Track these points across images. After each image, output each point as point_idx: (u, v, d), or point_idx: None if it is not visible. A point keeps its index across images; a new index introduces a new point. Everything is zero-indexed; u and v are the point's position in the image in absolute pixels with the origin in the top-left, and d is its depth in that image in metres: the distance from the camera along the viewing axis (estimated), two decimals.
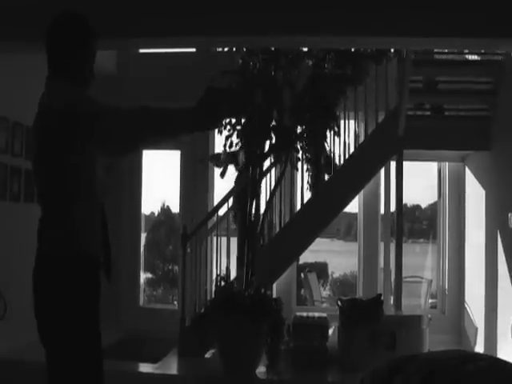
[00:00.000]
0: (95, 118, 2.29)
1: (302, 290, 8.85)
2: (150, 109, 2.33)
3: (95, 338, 2.39)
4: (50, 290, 2.32)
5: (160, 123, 2.39)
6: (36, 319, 2.37)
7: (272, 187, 5.38)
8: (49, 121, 2.31)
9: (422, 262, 9.86)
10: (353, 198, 5.90)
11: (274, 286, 6.52)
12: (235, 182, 5.27)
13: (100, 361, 2.40)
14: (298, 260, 7.40)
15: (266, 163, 5.27)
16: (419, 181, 9.17)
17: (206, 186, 7.10)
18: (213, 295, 5.13)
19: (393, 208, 5.93)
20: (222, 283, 4.98)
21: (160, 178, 8.47)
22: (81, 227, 2.37)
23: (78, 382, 2.34)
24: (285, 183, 5.71)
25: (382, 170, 6.12)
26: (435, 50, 5.89)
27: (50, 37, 2.45)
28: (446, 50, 5.85)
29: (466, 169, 7.19)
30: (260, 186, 5.15)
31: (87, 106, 2.31)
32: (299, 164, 5.36)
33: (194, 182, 7.06)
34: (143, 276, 8.03)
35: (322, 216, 5.61)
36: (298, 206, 5.79)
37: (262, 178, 5.23)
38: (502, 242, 5.64)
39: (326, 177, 5.66)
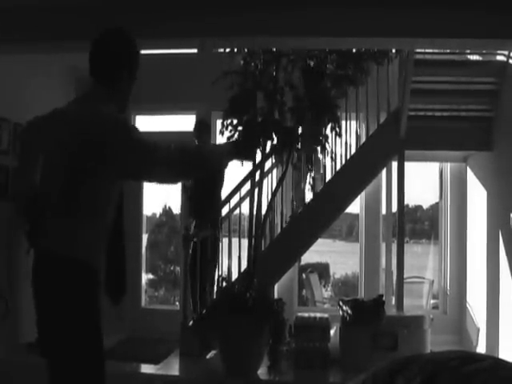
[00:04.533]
0: (149, 155, 2.33)
1: (304, 291, 8.85)
2: (187, 152, 2.42)
3: (97, 339, 2.39)
4: (52, 290, 2.33)
5: (195, 167, 2.50)
6: (38, 320, 2.37)
7: (273, 188, 5.39)
8: (102, 137, 2.27)
9: (423, 263, 9.85)
10: (354, 198, 5.91)
11: (276, 286, 6.52)
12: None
13: (102, 362, 2.40)
14: (299, 261, 7.40)
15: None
16: (421, 181, 9.17)
17: None
18: (214, 296, 5.13)
19: (394, 208, 5.93)
20: (224, 284, 4.99)
21: None
22: (87, 238, 2.38)
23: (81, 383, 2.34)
24: (286, 184, 5.71)
25: (384, 171, 6.11)
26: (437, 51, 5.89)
27: (117, 55, 2.46)
28: (448, 50, 5.85)
29: (468, 169, 7.19)
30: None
31: (142, 139, 2.34)
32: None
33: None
34: (145, 277, 8.02)
35: (323, 217, 5.61)
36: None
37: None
38: (504, 242, 5.63)
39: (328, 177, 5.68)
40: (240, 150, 2.48)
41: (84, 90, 2.47)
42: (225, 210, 5.66)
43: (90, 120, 2.31)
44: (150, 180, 2.48)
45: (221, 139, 4.95)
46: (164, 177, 2.44)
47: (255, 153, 2.61)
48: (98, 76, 2.44)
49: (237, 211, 5.59)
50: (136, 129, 2.38)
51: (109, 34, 2.47)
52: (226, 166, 2.65)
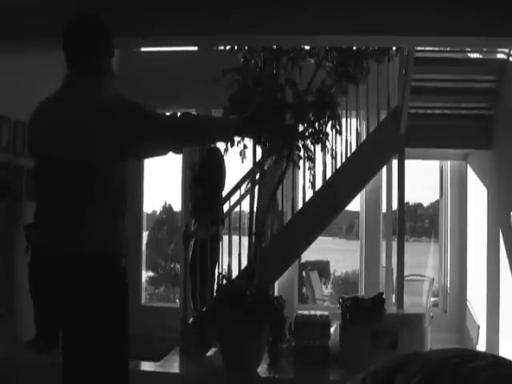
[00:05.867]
0: (159, 120, 2.41)
1: (304, 289, 8.85)
2: (195, 118, 2.47)
3: (124, 341, 2.38)
4: (83, 290, 2.28)
5: (202, 133, 2.55)
6: (59, 317, 2.36)
7: (274, 186, 5.38)
8: (116, 117, 2.31)
9: (423, 261, 9.86)
10: (354, 196, 5.90)
11: (276, 284, 6.52)
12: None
13: (127, 365, 2.39)
14: (299, 258, 7.40)
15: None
16: (421, 179, 9.17)
17: None
18: (215, 293, 5.14)
19: (395, 206, 5.93)
20: (224, 281, 4.99)
21: (162, 176, 8.47)
22: (120, 228, 2.39)
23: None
24: (286, 181, 5.71)
25: (384, 169, 6.11)
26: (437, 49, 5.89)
27: (80, 36, 2.44)
28: (448, 49, 5.84)
29: (468, 167, 7.18)
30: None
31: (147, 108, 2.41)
32: (301, 162, 5.36)
33: None
34: (145, 275, 8.03)
35: (323, 214, 5.61)
36: (300, 205, 5.79)
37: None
38: (504, 240, 5.63)
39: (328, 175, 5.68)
40: (247, 125, 2.51)
41: (66, 82, 2.44)
42: (225, 208, 5.66)
43: (97, 109, 2.31)
44: (162, 144, 2.49)
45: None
46: (173, 140, 2.47)
47: (262, 131, 2.62)
48: (77, 63, 2.43)
49: (237, 209, 5.59)
50: (137, 101, 2.41)
51: (77, 21, 2.48)
52: (231, 138, 2.73)
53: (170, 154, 2.54)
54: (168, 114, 2.51)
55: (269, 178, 5.16)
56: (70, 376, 2.32)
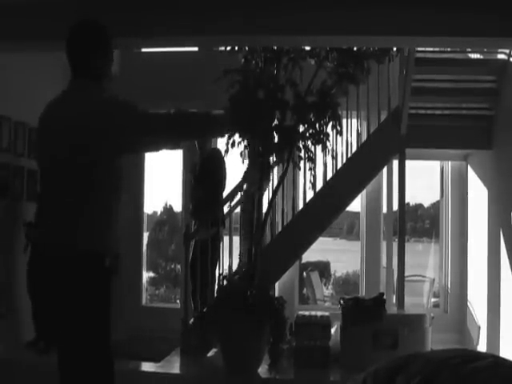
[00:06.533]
0: (151, 118, 2.47)
1: (305, 289, 8.86)
2: (187, 114, 2.56)
3: (105, 329, 2.41)
4: (64, 283, 2.33)
5: (196, 129, 2.62)
6: (45, 315, 2.39)
7: (274, 186, 5.39)
8: (109, 117, 2.38)
9: (424, 261, 9.86)
10: (355, 197, 5.90)
11: (277, 284, 6.52)
12: (243, 177, 5.28)
13: (110, 353, 2.43)
14: (300, 259, 7.40)
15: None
16: (421, 180, 9.18)
17: None
18: (215, 294, 5.14)
19: (395, 207, 5.93)
20: (225, 282, 4.99)
21: (162, 176, 8.48)
22: (113, 225, 2.45)
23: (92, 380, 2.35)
24: (287, 182, 5.71)
25: (385, 169, 6.11)
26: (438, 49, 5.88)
27: (81, 42, 2.53)
28: (449, 49, 5.84)
29: (469, 168, 7.18)
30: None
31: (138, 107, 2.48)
32: (301, 163, 5.36)
33: None
34: (146, 275, 8.03)
35: (324, 215, 5.61)
36: (301, 205, 5.79)
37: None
38: (505, 240, 5.63)
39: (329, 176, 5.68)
40: (238, 121, 2.61)
41: (70, 86, 2.53)
42: (226, 209, 5.66)
43: (92, 109, 2.38)
44: (154, 140, 2.55)
45: (222, 139, 4.95)
46: (165, 136, 2.54)
47: (254, 127, 2.69)
48: (79, 70, 2.51)
49: (238, 210, 5.59)
50: (131, 101, 2.48)
51: (78, 30, 2.56)
52: (222, 133, 2.85)
53: (169, 148, 2.61)
54: (162, 111, 2.58)
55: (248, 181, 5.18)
56: (62, 372, 2.39)
